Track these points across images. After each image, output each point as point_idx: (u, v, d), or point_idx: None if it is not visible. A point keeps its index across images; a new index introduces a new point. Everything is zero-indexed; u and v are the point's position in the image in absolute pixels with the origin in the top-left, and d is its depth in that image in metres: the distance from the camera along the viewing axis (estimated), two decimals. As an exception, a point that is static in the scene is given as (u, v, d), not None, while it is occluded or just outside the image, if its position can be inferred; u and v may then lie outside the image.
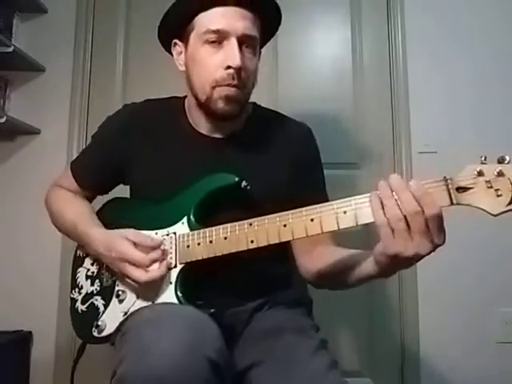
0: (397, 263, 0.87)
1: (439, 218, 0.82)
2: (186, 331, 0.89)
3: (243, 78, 1.14)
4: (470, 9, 2.37)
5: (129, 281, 1.10)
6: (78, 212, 1.28)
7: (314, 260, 1.18)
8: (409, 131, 2.32)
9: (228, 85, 1.12)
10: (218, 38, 1.12)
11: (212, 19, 1.12)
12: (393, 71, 2.38)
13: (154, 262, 1.06)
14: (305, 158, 1.28)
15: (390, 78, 2.38)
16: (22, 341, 2.23)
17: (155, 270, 1.06)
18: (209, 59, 1.13)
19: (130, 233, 1.11)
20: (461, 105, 2.32)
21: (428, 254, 0.84)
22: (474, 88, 2.32)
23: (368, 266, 0.97)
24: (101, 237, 1.15)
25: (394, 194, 0.84)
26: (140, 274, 1.06)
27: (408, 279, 2.24)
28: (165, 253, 1.09)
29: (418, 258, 0.84)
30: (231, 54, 1.10)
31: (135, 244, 1.08)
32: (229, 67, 1.11)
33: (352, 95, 2.39)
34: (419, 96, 2.34)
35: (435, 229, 0.82)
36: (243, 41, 1.13)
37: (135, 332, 0.92)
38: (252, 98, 1.26)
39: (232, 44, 1.11)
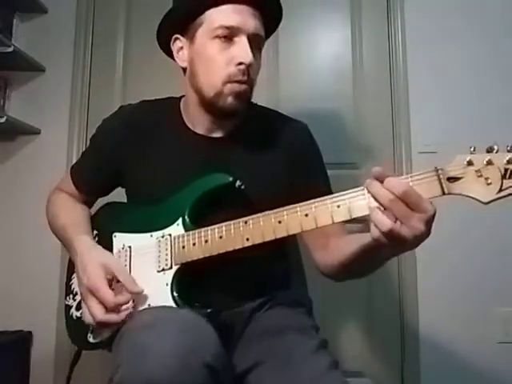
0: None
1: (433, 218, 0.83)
2: (183, 336, 0.88)
3: (251, 75, 1.15)
4: (469, 8, 2.36)
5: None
6: (71, 218, 1.27)
7: (332, 253, 1.16)
8: (409, 131, 2.32)
9: (238, 81, 1.13)
10: (230, 35, 1.13)
11: (225, 15, 1.13)
12: (393, 71, 2.37)
13: (118, 305, 1.03)
14: (303, 155, 1.27)
15: (389, 77, 2.38)
16: (21, 341, 2.24)
17: (114, 316, 1.03)
18: (219, 55, 1.13)
19: (114, 266, 1.08)
20: (461, 105, 2.31)
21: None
22: (474, 88, 2.32)
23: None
24: (82, 251, 1.13)
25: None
26: (98, 312, 1.03)
27: (408, 279, 2.23)
28: (134, 301, 1.07)
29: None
30: (243, 50, 1.11)
31: (113, 278, 1.07)
32: (240, 63, 1.11)
33: (352, 95, 2.38)
34: (419, 96, 2.33)
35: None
36: (252, 40, 1.14)
37: (131, 337, 0.92)
38: (253, 97, 1.26)
39: (243, 41, 1.12)
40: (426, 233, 0.83)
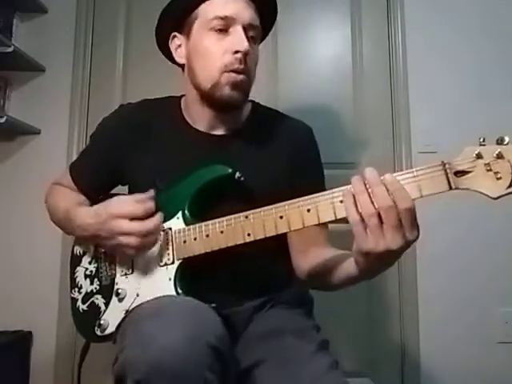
0: (371, 261, 0.85)
1: (412, 213, 0.80)
2: (187, 318, 0.89)
3: (249, 65, 1.15)
4: (472, 9, 2.36)
5: (123, 249, 1.07)
6: (72, 200, 1.27)
7: (307, 260, 1.17)
8: (409, 131, 2.32)
9: (235, 70, 1.13)
10: (225, 26, 1.13)
11: (220, 6, 1.14)
12: (393, 70, 2.37)
13: (148, 232, 1.05)
14: (305, 155, 1.28)
15: (390, 77, 2.38)
16: (21, 341, 2.23)
17: (149, 238, 1.06)
18: (215, 46, 1.14)
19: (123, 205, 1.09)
20: (462, 105, 2.31)
21: (401, 250, 0.81)
22: (475, 88, 2.32)
23: (348, 266, 0.95)
24: (89, 208, 1.15)
25: (368, 187, 0.82)
26: (132, 240, 1.04)
27: (408, 279, 2.23)
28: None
29: (390, 254, 0.81)
30: (239, 39, 1.12)
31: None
32: (237, 52, 1.12)
33: (352, 94, 2.38)
34: (419, 96, 2.34)
35: (408, 224, 0.80)
36: (248, 30, 1.15)
37: (136, 322, 0.93)
38: (252, 96, 1.27)
39: (239, 30, 1.13)
40: (405, 242, 0.80)
